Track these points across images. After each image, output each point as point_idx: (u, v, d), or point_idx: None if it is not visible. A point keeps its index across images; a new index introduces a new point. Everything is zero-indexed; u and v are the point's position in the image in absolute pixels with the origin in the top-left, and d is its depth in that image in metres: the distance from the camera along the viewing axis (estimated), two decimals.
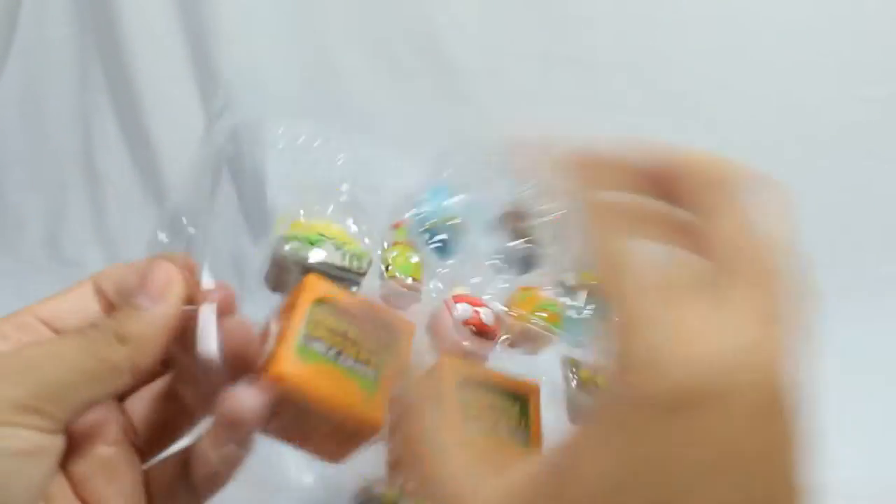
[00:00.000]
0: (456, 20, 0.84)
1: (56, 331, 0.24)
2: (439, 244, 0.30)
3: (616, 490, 0.18)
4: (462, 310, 0.30)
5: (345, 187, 0.26)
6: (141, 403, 0.27)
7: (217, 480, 0.25)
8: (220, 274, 0.26)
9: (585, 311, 0.29)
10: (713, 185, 0.23)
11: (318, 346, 0.25)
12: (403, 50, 0.85)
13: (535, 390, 0.28)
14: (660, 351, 0.18)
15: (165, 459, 0.27)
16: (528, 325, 0.30)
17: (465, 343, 0.29)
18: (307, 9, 0.84)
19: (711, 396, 0.18)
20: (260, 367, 0.25)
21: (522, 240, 0.30)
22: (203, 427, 0.26)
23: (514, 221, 0.29)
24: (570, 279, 0.29)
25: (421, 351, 0.27)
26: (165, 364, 0.26)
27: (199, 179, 0.26)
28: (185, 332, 0.24)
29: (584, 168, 0.23)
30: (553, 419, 0.28)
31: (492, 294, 0.30)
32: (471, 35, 0.84)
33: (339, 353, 0.25)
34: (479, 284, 0.30)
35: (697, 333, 0.18)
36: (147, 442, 0.26)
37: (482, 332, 0.30)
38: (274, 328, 0.25)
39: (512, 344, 0.30)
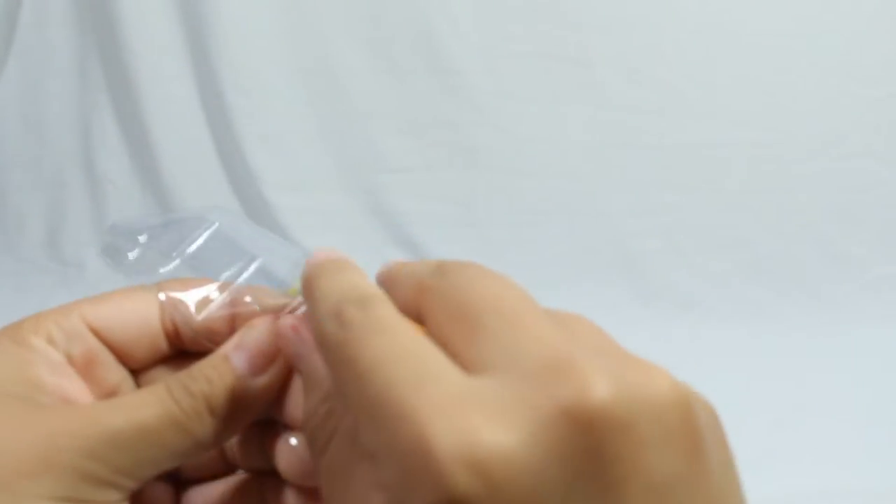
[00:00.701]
0: (453, 20, 0.84)
1: (107, 342, 0.22)
2: None
3: None
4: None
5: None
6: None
7: None
8: None
9: None
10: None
11: None
12: (401, 50, 0.85)
13: None
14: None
15: None
16: None
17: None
18: (305, 9, 0.84)
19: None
20: None
21: None
22: None
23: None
24: None
25: None
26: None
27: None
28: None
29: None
30: None
31: None
32: (468, 35, 0.84)
33: None
34: None
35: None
36: None
37: None
38: None
39: None
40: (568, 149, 0.87)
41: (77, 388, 0.21)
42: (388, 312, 0.17)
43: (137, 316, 0.23)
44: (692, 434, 0.15)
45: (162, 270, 0.25)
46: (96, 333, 0.22)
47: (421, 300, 0.18)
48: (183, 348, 0.24)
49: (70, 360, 0.21)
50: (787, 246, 0.87)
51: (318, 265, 0.20)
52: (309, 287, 0.20)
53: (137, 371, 0.23)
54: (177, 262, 0.24)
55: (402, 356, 0.16)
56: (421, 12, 0.84)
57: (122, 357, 0.23)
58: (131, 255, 0.25)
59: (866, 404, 0.66)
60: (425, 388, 0.15)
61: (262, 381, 0.21)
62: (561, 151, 0.87)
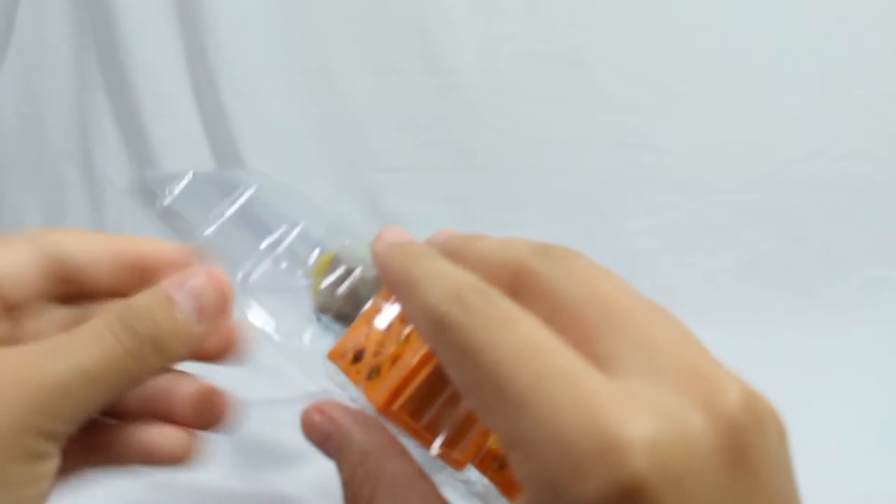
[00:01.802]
0: (449, 20, 0.84)
1: None
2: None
3: None
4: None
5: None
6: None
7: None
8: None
9: None
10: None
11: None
12: (397, 50, 0.85)
13: None
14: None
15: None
16: None
17: None
18: (302, 9, 0.84)
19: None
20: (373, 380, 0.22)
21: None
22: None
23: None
24: None
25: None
26: None
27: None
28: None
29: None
30: None
31: None
32: (464, 34, 0.84)
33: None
34: None
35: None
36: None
37: None
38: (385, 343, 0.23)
39: None
40: (565, 149, 0.87)
41: None
42: (512, 305, 0.17)
43: (17, 268, 0.23)
44: (787, 443, 0.17)
45: (206, 233, 0.25)
46: None
47: (522, 283, 0.18)
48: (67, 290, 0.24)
49: None
50: (783, 246, 0.87)
51: (404, 247, 0.21)
52: (403, 269, 0.19)
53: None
54: (218, 223, 0.25)
55: (545, 350, 0.16)
56: (418, 12, 0.84)
57: None
58: (165, 202, 0.26)
59: (863, 405, 0.66)
60: (582, 383, 0.15)
61: (202, 329, 0.21)
62: (558, 151, 0.87)
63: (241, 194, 0.25)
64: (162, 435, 0.23)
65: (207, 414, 0.24)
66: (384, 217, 0.88)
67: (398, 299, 0.20)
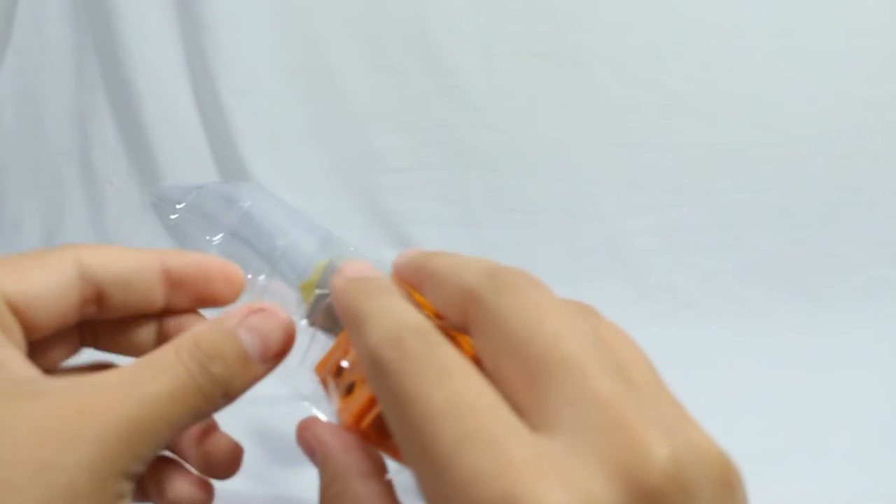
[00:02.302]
0: (450, 19, 0.84)
1: (27, 323, 0.21)
2: None
3: None
4: None
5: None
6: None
7: None
8: None
9: None
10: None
11: None
12: (397, 49, 0.85)
13: None
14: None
15: None
16: None
17: None
18: (302, 9, 0.84)
19: None
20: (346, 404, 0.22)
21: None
22: None
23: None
24: None
25: None
26: None
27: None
28: None
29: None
30: None
31: None
32: (465, 34, 0.84)
33: None
34: None
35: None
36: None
37: None
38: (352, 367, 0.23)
39: None
40: (566, 149, 0.87)
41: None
42: (451, 353, 0.17)
43: (60, 291, 0.22)
44: (735, 497, 0.16)
45: (212, 245, 0.25)
46: (17, 312, 0.21)
47: (469, 311, 0.18)
48: (96, 317, 0.23)
49: None
50: (783, 246, 0.87)
51: (358, 283, 0.20)
52: (353, 306, 0.19)
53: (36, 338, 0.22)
54: (218, 240, 0.25)
55: (472, 408, 0.15)
56: (418, 12, 0.84)
57: (25, 325, 0.21)
58: (173, 217, 0.26)
59: (863, 405, 0.66)
60: (503, 447, 0.15)
61: (263, 370, 0.21)
62: (558, 151, 0.87)
63: (240, 208, 0.26)
64: (182, 486, 0.24)
65: (213, 463, 0.24)
66: (385, 216, 0.88)
67: (350, 337, 0.20)
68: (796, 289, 0.85)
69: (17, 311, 0.21)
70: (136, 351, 0.25)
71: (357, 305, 0.19)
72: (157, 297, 0.24)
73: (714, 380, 0.68)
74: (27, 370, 0.19)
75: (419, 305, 0.22)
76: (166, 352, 0.20)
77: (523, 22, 0.85)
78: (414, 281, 0.21)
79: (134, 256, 0.23)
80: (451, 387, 0.16)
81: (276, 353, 0.21)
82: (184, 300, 0.24)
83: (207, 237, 0.25)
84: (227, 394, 0.20)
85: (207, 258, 0.24)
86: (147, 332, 0.25)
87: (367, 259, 0.22)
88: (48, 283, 0.21)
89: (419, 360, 0.16)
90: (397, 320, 0.18)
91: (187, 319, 0.25)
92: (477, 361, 0.18)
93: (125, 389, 0.18)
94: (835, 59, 0.86)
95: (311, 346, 0.25)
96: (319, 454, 0.21)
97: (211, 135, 0.88)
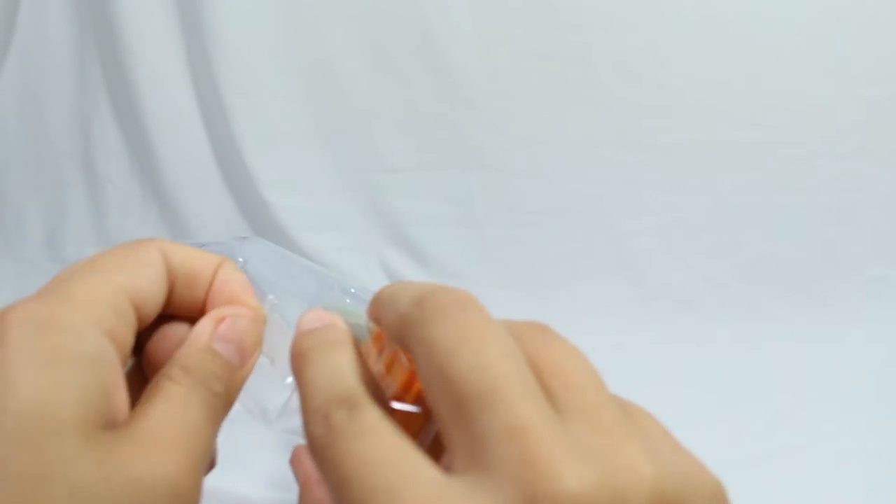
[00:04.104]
0: (451, 19, 0.84)
1: (140, 319, 0.22)
2: None
3: None
4: None
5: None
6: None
7: None
8: None
9: None
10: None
11: None
12: (399, 49, 0.85)
13: None
14: None
15: None
16: None
17: None
18: (303, 9, 0.84)
19: None
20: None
21: None
22: None
23: None
24: None
25: None
26: None
27: None
28: None
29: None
30: None
31: None
32: (466, 34, 0.84)
33: None
34: None
35: None
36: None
37: None
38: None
39: None
40: (566, 149, 0.87)
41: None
42: (371, 415, 0.18)
43: (156, 286, 0.22)
44: None
45: None
46: (136, 307, 0.21)
47: (402, 339, 0.19)
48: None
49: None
50: (785, 246, 0.88)
51: (306, 339, 0.21)
52: (297, 373, 0.20)
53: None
54: None
55: (382, 462, 0.16)
56: (419, 12, 0.84)
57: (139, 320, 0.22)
58: None
59: (863, 405, 0.66)
60: (402, 497, 0.15)
61: (248, 369, 0.23)
62: (559, 151, 0.87)
63: (238, 265, 0.26)
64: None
65: None
66: (386, 216, 0.88)
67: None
68: (797, 289, 0.85)
69: (134, 306, 0.21)
70: None
71: (298, 371, 0.20)
72: (200, 302, 0.24)
73: (714, 380, 0.68)
74: (120, 407, 0.20)
75: (375, 345, 0.23)
76: (184, 395, 0.21)
77: (524, 22, 0.85)
78: (372, 316, 0.22)
79: (199, 257, 0.24)
80: (365, 446, 0.17)
81: (253, 351, 0.23)
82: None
83: None
84: (230, 403, 0.22)
85: (240, 286, 0.24)
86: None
87: (363, 301, 0.23)
88: (152, 274, 0.22)
89: (341, 430, 0.17)
90: (327, 393, 0.19)
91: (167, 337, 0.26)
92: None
93: (175, 447, 0.19)
94: (836, 59, 0.86)
95: (293, 397, 0.26)
96: (300, 481, 0.22)
97: (212, 135, 0.89)
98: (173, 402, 0.20)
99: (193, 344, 0.22)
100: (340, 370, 0.19)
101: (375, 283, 0.85)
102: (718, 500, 0.17)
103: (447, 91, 0.85)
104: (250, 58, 0.85)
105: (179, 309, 0.24)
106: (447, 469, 0.16)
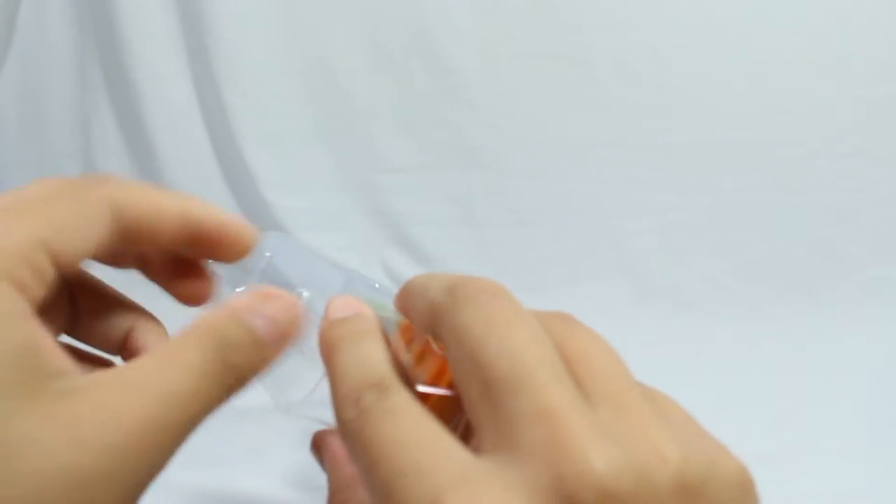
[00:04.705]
0: (451, 19, 0.84)
1: (59, 260, 0.19)
2: None
3: None
4: None
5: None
6: None
7: None
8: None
9: None
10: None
11: None
12: (399, 49, 0.85)
13: None
14: None
15: None
16: None
17: None
18: (303, 9, 0.84)
19: None
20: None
21: None
22: None
23: None
24: None
25: None
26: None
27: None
28: None
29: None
30: None
31: None
32: (466, 34, 0.85)
33: None
34: None
35: None
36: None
37: None
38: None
39: None
40: (566, 149, 0.87)
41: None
42: (401, 397, 0.18)
43: (97, 240, 0.20)
44: None
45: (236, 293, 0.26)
46: (58, 265, 0.19)
47: (434, 327, 0.19)
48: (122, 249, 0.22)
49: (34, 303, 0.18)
50: (785, 246, 0.88)
51: (335, 328, 0.21)
52: (328, 360, 0.20)
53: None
54: (245, 286, 0.25)
55: (410, 442, 0.16)
56: (419, 12, 0.84)
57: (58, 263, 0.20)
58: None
59: (864, 404, 0.66)
60: (430, 475, 0.15)
61: (275, 355, 0.21)
62: (560, 151, 0.87)
63: (264, 258, 0.26)
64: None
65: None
66: (387, 216, 0.88)
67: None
68: (797, 289, 0.86)
69: (52, 256, 0.19)
70: (107, 345, 0.25)
71: (329, 358, 0.20)
72: (167, 241, 0.23)
73: (715, 379, 0.68)
74: (56, 358, 0.18)
75: (403, 337, 0.22)
76: (186, 344, 0.19)
77: (524, 22, 0.85)
78: (400, 306, 0.22)
79: (159, 199, 0.22)
80: (394, 427, 0.17)
81: (288, 337, 0.21)
82: (191, 250, 0.24)
83: (235, 289, 0.25)
84: (244, 382, 0.20)
85: (228, 218, 0.23)
86: (120, 326, 0.25)
87: (388, 294, 0.23)
88: (84, 225, 0.20)
89: (372, 412, 0.18)
90: (357, 377, 0.19)
91: (150, 330, 0.25)
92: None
93: (151, 389, 0.18)
94: (836, 59, 0.87)
95: (322, 381, 0.26)
96: (328, 463, 0.22)
97: (213, 135, 0.89)
98: (170, 364, 0.19)
99: (230, 311, 0.20)
100: (370, 356, 0.20)
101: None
102: (743, 484, 0.17)
103: (447, 91, 0.86)
104: (251, 58, 0.85)
105: (146, 260, 0.23)
106: (476, 451, 0.16)
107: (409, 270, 0.86)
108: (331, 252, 0.85)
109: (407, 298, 0.21)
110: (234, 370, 0.20)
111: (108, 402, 0.17)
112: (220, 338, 0.20)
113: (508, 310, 0.18)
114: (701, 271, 0.86)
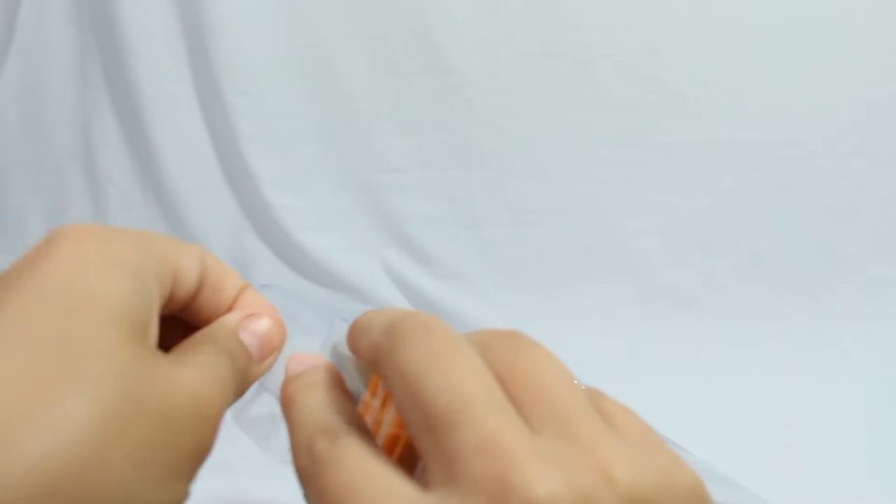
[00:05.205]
0: (451, 19, 0.84)
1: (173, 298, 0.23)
2: None
3: None
4: None
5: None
6: None
7: None
8: None
9: None
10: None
11: None
12: (399, 49, 0.85)
13: None
14: None
15: None
16: None
17: None
18: (304, 9, 0.84)
19: None
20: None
21: None
22: None
23: None
24: None
25: None
26: None
27: None
28: None
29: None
30: None
31: None
32: (466, 34, 0.85)
33: None
34: None
35: None
36: None
37: None
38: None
39: None
40: (567, 149, 0.87)
41: None
42: (349, 441, 0.19)
43: (193, 276, 0.23)
44: None
45: None
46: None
47: (377, 366, 0.20)
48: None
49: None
50: (785, 246, 0.88)
51: (289, 388, 0.22)
52: (284, 414, 0.21)
53: None
54: None
55: (360, 482, 0.17)
56: (420, 12, 0.84)
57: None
58: None
59: (864, 404, 0.66)
60: None
61: (261, 370, 0.24)
62: (559, 151, 0.87)
63: None
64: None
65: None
66: (387, 216, 0.88)
67: None
68: (797, 288, 0.86)
69: (172, 280, 0.22)
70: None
71: (285, 412, 0.22)
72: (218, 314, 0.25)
73: (715, 379, 0.68)
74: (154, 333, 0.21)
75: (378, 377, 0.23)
76: (200, 346, 0.22)
77: (525, 22, 0.85)
78: (350, 347, 0.23)
79: (229, 273, 0.25)
80: (343, 471, 0.18)
81: (272, 351, 0.24)
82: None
83: None
84: (247, 383, 0.23)
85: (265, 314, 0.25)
86: None
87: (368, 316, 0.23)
88: (191, 264, 0.23)
89: (323, 459, 0.18)
90: (309, 428, 0.20)
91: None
92: None
93: (215, 374, 0.21)
94: (835, 59, 0.87)
95: None
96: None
97: (214, 135, 0.89)
98: (203, 353, 0.21)
99: (221, 324, 0.23)
100: (321, 406, 0.21)
101: (377, 282, 0.85)
102: (697, 498, 0.17)
103: (448, 91, 0.86)
104: (251, 57, 0.85)
105: (197, 316, 0.24)
106: (426, 487, 0.17)
107: (409, 270, 0.86)
108: (331, 252, 0.85)
109: (353, 340, 0.22)
110: (240, 372, 0.22)
111: (184, 374, 0.20)
112: (229, 349, 0.22)
113: (445, 345, 0.18)
114: (701, 271, 0.86)
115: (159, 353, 0.20)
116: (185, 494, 0.19)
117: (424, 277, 0.85)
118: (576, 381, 0.18)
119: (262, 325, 0.24)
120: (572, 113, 0.87)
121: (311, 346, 0.26)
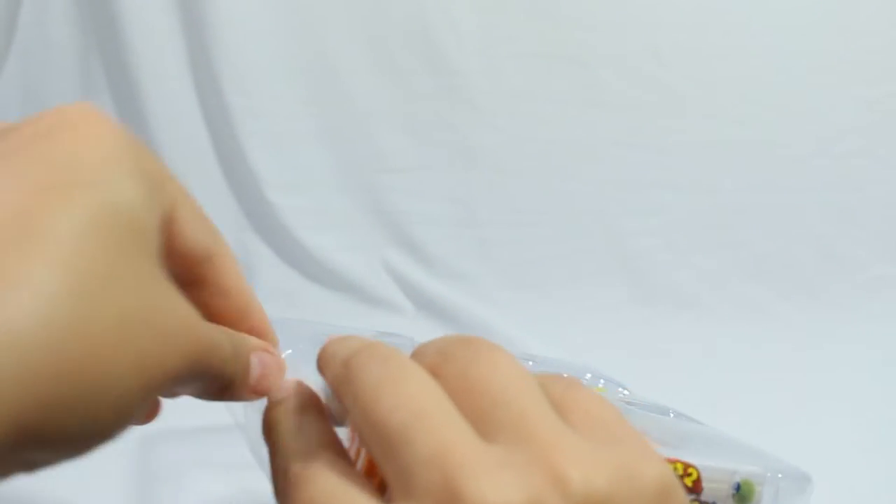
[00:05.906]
0: (452, 19, 0.84)
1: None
2: None
3: None
4: None
5: None
6: None
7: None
8: None
9: None
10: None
11: None
12: (400, 49, 0.85)
13: None
14: None
15: None
16: None
17: None
18: (305, 9, 0.85)
19: None
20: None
21: None
22: None
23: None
24: None
25: None
26: None
27: None
28: None
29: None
30: None
31: None
32: (467, 34, 0.85)
33: None
34: None
35: None
36: None
37: None
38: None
39: None
40: (567, 149, 0.87)
41: None
42: (321, 462, 0.19)
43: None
44: None
45: None
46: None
47: (338, 394, 0.21)
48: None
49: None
50: (785, 245, 0.88)
51: (270, 414, 0.23)
52: (266, 439, 0.22)
53: None
54: None
55: (327, 500, 0.18)
56: (421, 12, 0.84)
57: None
58: None
59: (865, 403, 0.66)
60: None
61: (246, 396, 0.24)
62: (560, 151, 0.87)
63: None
64: None
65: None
66: (388, 216, 0.88)
67: None
68: (797, 288, 0.86)
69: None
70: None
71: (266, 438, 0.22)
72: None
73: (715, 379, 0.68)
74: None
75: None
76: (219, 328, 0.22)
77: (525, 22, 0.85)
78: (321, 374, 0.23)
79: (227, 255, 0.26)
80: (313, 491, 0.18)
81: (264, 391, 0.24)
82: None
83: None
84: (225, 390, 0.22)
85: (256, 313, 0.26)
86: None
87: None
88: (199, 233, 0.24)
89: (296, 481, 0.19)
90: (286, 451, 0.21)
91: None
92: None
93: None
94: (835, 59, 0.87)
95: None
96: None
97: (215, 135, 0.89)
98: (213, 327, 0.22)
99: (244, 336, 0.24)
100: (298, 430, 0.21)
101: (377, 281, 0.85)
102: (663, 488, 0.17)
103: (448, 91, 0.86)
104: (252, 57, 0.85)
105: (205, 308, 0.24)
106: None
107: (409, 270, 0.86)
108: (332, 252, 0.85)
109: (320, 369, 0.23)
110: (228, 372, 0.22)
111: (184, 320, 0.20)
112: (235, 344, 0.23)
113: (397, 369, 0.19)
114: (701, 271, 0.86)
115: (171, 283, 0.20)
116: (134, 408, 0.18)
117: (425, 277, 0.85)
118: (532, 381, 0.18)
119: (273, 362, 0.24)
120: (572, 113, 0.87)
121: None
